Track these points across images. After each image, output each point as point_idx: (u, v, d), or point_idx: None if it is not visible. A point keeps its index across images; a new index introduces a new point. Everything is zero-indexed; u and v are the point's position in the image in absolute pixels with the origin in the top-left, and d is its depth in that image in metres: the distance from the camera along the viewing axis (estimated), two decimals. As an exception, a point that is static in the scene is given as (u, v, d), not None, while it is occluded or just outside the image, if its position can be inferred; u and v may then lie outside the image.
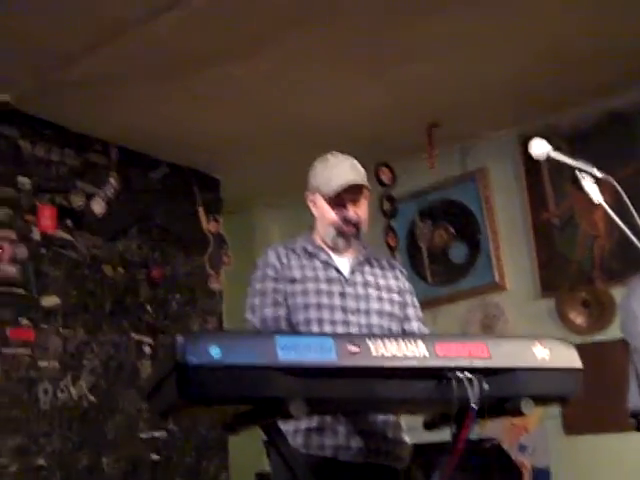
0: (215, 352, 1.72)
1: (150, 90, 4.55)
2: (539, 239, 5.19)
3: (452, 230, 5.55)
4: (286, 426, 2.29)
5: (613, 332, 4.75)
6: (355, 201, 2.50)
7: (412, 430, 2.40)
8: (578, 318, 4.94)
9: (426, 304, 5.28)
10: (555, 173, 5.03)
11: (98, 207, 4.98)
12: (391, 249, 5.56)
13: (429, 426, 2.14)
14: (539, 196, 5.21)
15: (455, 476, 4.07)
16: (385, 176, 5.57)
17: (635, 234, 2.08)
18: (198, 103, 4.74)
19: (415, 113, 5.02)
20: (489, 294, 5.31)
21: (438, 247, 5.59)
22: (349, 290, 2.48)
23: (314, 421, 2.31)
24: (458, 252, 5.51)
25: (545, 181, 5.18)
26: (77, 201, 4.88)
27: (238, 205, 6.08)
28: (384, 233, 5.57)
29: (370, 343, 1.86)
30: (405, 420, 2.47)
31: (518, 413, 1.96)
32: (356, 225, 2.52)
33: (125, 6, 3.73)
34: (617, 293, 4.76)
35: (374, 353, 1.85)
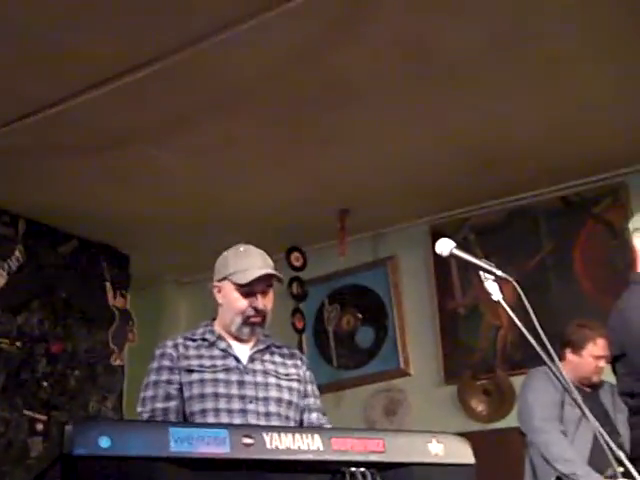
0: (104, 442, 1.68)
1: (63, 165, 4.52)
2: (444, 327, 5.29)
3: (360, 315, 5.60)
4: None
5: (512, 420, 4.83)
6: (264, 292, 2.53)
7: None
8: (479, 406, 5.01)
9: (331, 387, 5.38)
10: (463, 264, 5.11)
11: (0, 280, 4.86)
12: (298, 331, 5.56)
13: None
14: (447, 285, 5.33)
15: None
16: (296, 260, 5.61)
17: (532, 330, 2.14)
18: (112, 180, 4.73)
19: (328, 199, 5.12)
20: (394, 379, 5.36)
21: (345, 331, 5.62)
22: (248, 378, 2.47)
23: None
24: (365, 336, 5.56)
25: (453, 271, 5.30)
26: (-24, 272, 4.77)
27: (146, 281, 6.01)
28: (291, 315, 5.58)
29: (265, 435, 1.84)
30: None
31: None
32: (263, 315, 2.53)
33: (44, 85, 3.72)
34: (518, 382, 4.85)
35: (268, 445, 1.83)
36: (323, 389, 5.21)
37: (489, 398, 5.00)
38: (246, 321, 2.51)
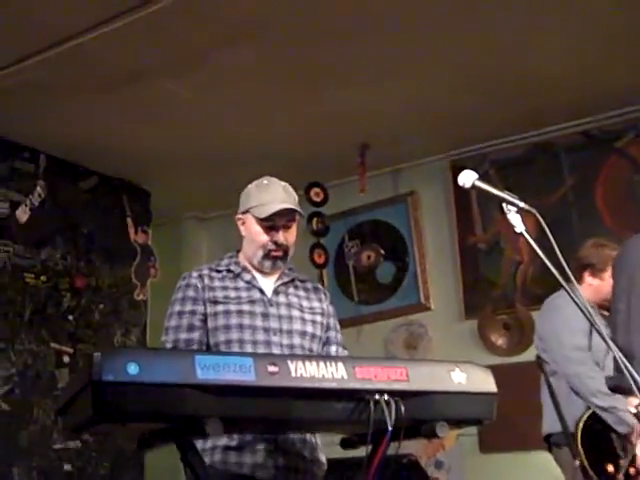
0: (132, 369, 1.71)
1: (84, 101, 4.50)
2: (465, 262, 5.29)
3: (380, 250, 5.61)
4: (204, 444, 2.28)
5: (532, 354, 4.86)
6: (286, 226, 2.52)
7: (330, 446, 2.42)
8: (499, 340, 5.04)
9: (351, 322, 5.43)
10: (483, 200, 5.14)
11: (22, 215, 4.89)
12: (318, 267, 5.58)
13: (346, 445, 2.16)
14: (467, 221, 5.32)
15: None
16: (316, 195, 5.60)
17: (555, 262, 2.13)
18: (132, 116, 4.71)
19: (349, 134, 5.08)
20: (414, 314, 5.39)
21: (366, 267, 5.64)
22: (272, 311, 2.48)
23: (233, 439, 2.30)
24: (385, 272, 5.58)
25: (473, 207, 5.29)
26: (1, 208, 4.80)
27: (167, 218, 6.04)
28: (311, 251, 5.59)
29: (290, 364, 1.87)
30: (322, 436, 2.48)
31: (433, 436, 2.00)
32: (285, 249, 2.52)
33: (62, 16, 3.69)
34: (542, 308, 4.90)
35: (293, 374, 1.86)
36: (344, 324, 5.24)
37: (509, 332, 5.03)
38: (267, 255, 2.51)
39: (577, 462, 3.34)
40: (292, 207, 2.50)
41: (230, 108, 4.71)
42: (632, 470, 3.16)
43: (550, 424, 3.59)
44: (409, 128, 5.05)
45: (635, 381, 2.10)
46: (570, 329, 3.51)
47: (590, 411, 3.42)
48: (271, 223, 2.50)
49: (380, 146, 5.22)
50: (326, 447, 2.53)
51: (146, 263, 5.69)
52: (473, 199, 5.26)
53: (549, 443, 3.64)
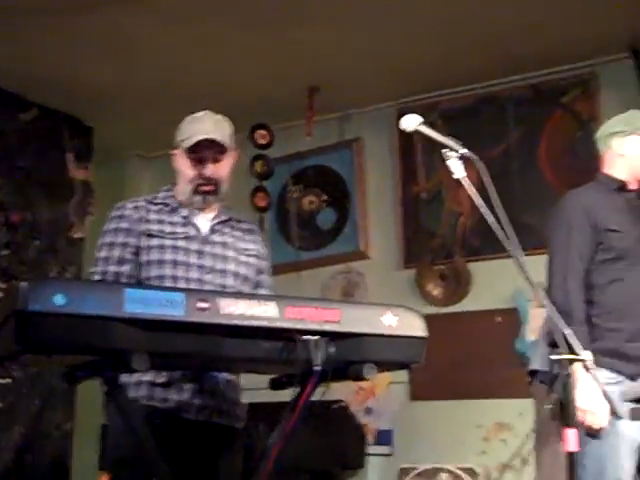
0: (59, 300, 1.68)
1: (23, 27, 4.35)
2: (406, 211, 5.32)
3: (323, 196, 5.60)
4: (130, 378, 2.27)
5: (467, 304, 4.95)
6: (216, 159, 2.45)
7: (257, 389, 2.43)
8: (435, 290, 5.10)
9: (290, 267, 5.43)
10: (428, 149, 5.15)
11: (-44, 145, 4.76)
12: (260, 210, 5.56)
13: (275, 386, 2.17)
14: (410, 170, 5.33)
15: (301, 436, 4.15)
16: (262, 138, 5.54)
17: (494, 213, 2.13)
18: (74, 46, 4.58)
19: (298, 77, 5.02)
20: (353, 262, 5.41)
21: (307, 212, 5.63)
22: (207, 249, 2.45)
23: (160, 376, 2.29)
24: (326, 218, 5.58)
25: (418, 156, 5.30)
26: None
27: (110, 154, 5.92)
28: (253, 194, 5.55)
29: (220, 300, 1.86)
30: (249, 379, 2.48)
31: (360, 378, 2.01)
32: (215, 184, 2.47)
33: None
34: (475, 269, 4.97)
35: (223, 311, 1.85)
36: (283, 269, 5.36)
37: (446, 283, 5.08)
38: (196, 189, 2.45)
39: (550, 404, 3.45)
40: (215, 138, 2.42)
41: (178, 45, 4.61)
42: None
43: (539, 361, 3.67)
44: (359, 74, 5.01)
45: (565, 337, 2.14)
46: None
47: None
48: (198, 155, 2.43)
49: (329, 91, 5.17)
50: (253, 391, 2.54)
51: (85, 200, 5.58)
52: (418, 149, 5.26)
53: (532, 376, 3.72)
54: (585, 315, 2.75)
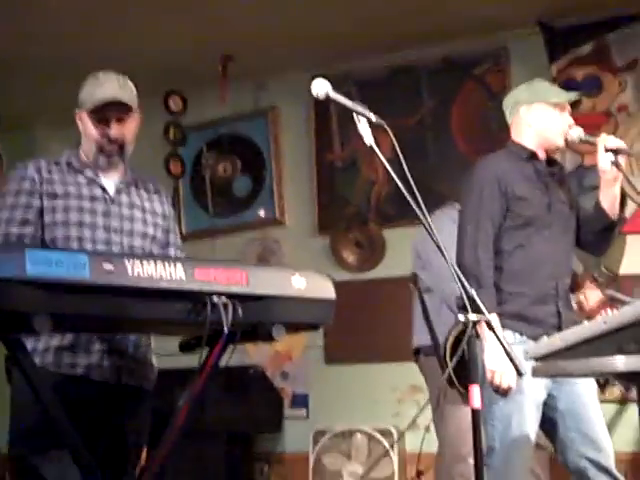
0: (-44, 261, 1.64)
1: None
2: (321, 179, 5.35)
3: (238, 164, 5.58)
4: (36, 344, 2.23)
5: (381, 271, 5.03)
6: (120, 120, 2.40)
7: (173, 355, 2.43)
8: (350, 257, 5.15)
9: (206, 234, 5.42)
10: (343, 118, 5.16)
11: None
12: (174, 177, 5.51)
13: (184, 348, 2.16)
14: (326, 138, 5.36)
15: (217, 401, 4.16)
16: (175, 104, 5.47)
17: (406, 181, 2.15)
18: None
19: (212, 44, 4.96)
20: (268, 229, 5.43)
21: (222, 179, 5.61)
22: (114, 210, 2.42)
23: (67, 339, 2.25)
24: (242, 186, 5.57)
25: (333, 125, 5.32)
26: None
27: (17, 122, 5.76)
28: (167, 161, 5.50)
29: (127, 262, 1.84)
30: (164, 344, 2.47)
31: (269, 338, 2.02)
32: (120, 144, 2.43)
33: None
34: (389, 235, 5.04)
35: (130, 273, 1.83)
36: (198, 236, 5.34)
37: (360, 250, 5.14)
38: (101, 150, 2.41)
39: (444, 373, 3.49)
40: (121, 99, 2.38)
41: (89, 8, 4.50)
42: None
43: (420, 337, 3.71)
44: (274, 42, 4.98)
45: (472, 299, 2.17)
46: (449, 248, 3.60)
47: (460, 326, 3.54)
48: (101, 116, 2.38)
49: (244, 58, 5.13)
50: (169, 356, 2.52)
51: (-7, 168, 5.42)
52: (333, 117, 5.28)
53: (417, 355, 3.77)
54: (492, 280, 2.82)
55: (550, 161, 2.99)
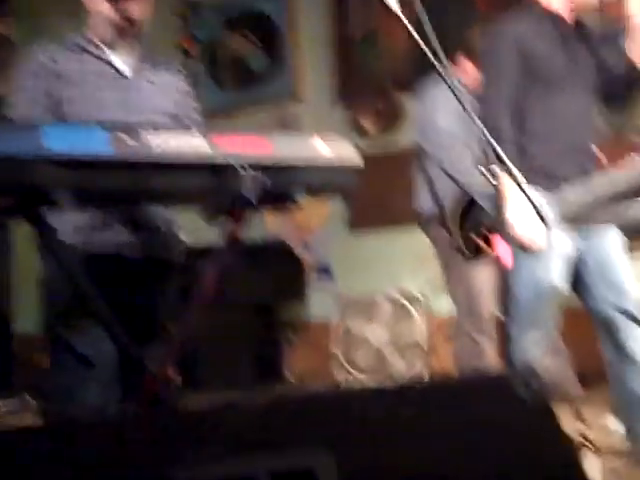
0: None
1: None
2: (340, 51, 5.25)
3: (255, 39, 5.47)
4: (64, 226, 2.21)
5: (402, 140, 4.97)
6: None
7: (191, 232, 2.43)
8: (370, 126, 5.11)
9: (222, 111, 5.33)
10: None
11: None
12: (189, 56, 5.41)
13: (208, 219, 2.14)
14: (344, 9, 5.20)
15: (242, 273, 4.19)
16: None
17: (429, 46, 2.08)
18: None
19: None
20: (287, 103, 5.35)
21: (239, 56, 5.50)
22: (132, 88, 2.35)
23: (95, 218, 2.24)
24: (258, 62, 5.48)
25: (351, -5, 5.18)
26: None
27: (30, 8, 5.63)
28: (181, 39, 5.40)
29: (148, 136, 1.80)
30: (184, 221, 2.46)
31: (294, 206, 1.99)
32: (134, 22, 2.32)
33: None
34: (409, 105, 4.94)
35: (152, 145, 1.79)
36: (215, 114, 5.26)
37: (380, 118, 5.07)
38: (115, 29, 2.30)
39: (446, 233, 3.52)
40: None
41: None
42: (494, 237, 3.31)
43: (423, 202, 3.74)
44: None
45: (502, 161, 2.15)
46: (441, 113, 3.57)
47: (462, 190, 3.54)
48: None
49: None
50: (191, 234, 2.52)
51: (4, 54, 5.32)
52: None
53: (422, 219, 3.79)
54: (514, 141, 2.78)
55: (575, 23, 2.89)
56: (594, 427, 3.10)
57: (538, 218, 2.13)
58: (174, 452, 1.33)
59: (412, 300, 4.80)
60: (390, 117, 5.02)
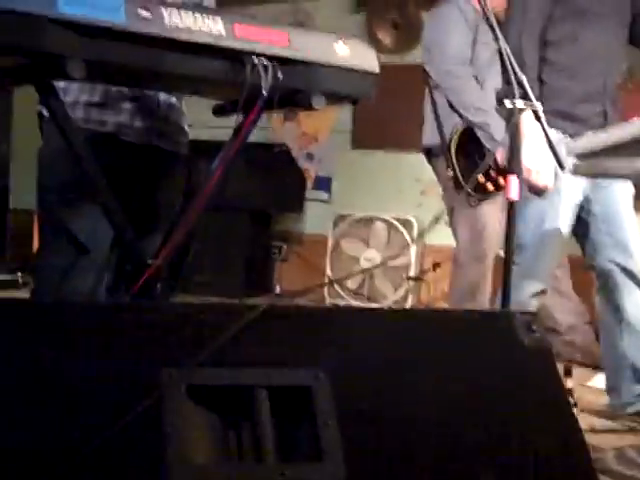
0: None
1: None
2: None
3: None
4: (64, 98, 2.12)
5: (417, 56, 4.82)
6: None
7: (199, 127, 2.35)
8: (387, 38, 4.96)
9: (236, 3, 5.14)
10: None
11: None
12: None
13: (218, 112, 2.07)
14: None
15: (242, 177, 4.13)
16: None
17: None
18: None
19: None
20: (301, 1, 5.19)
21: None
22: None
23: (96, 95, 2.15)
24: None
25: None
26: None
27: None
28: None
29: (164, 11, 1.71)
30: (192, 116, 2.38)
31: (308, 107, 1.92)
32: None
33: None
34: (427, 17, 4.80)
35: (167, 22, 1.70)
36: (227, 5, 5.07)
37: (397, 32, 4.94)
38: None
39: (450, 172, 3.42)
40: None
41: None
42: (502, 181, 3.22)
43: (430, 136, 3.63)
44: None
45: (522, 84, 2.09)
46: (452, 40, 3.42)
47: (466, 125, 3.43)
48: None
49: None
50: (195, 129, 2.44)
51: None
52: None
53: (429, 154, 3.69)
54: (537, 73, 2.70)
55: None
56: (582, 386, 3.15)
57: (555, 161, 2.08)
58: (167, 352, 1.31)
59: (407, 225, 4.77)
60: (407, 32, 4.87)
